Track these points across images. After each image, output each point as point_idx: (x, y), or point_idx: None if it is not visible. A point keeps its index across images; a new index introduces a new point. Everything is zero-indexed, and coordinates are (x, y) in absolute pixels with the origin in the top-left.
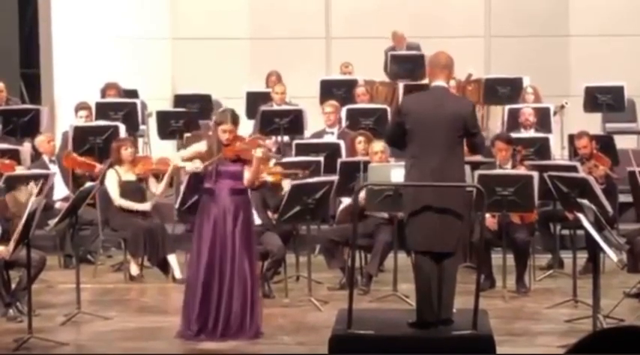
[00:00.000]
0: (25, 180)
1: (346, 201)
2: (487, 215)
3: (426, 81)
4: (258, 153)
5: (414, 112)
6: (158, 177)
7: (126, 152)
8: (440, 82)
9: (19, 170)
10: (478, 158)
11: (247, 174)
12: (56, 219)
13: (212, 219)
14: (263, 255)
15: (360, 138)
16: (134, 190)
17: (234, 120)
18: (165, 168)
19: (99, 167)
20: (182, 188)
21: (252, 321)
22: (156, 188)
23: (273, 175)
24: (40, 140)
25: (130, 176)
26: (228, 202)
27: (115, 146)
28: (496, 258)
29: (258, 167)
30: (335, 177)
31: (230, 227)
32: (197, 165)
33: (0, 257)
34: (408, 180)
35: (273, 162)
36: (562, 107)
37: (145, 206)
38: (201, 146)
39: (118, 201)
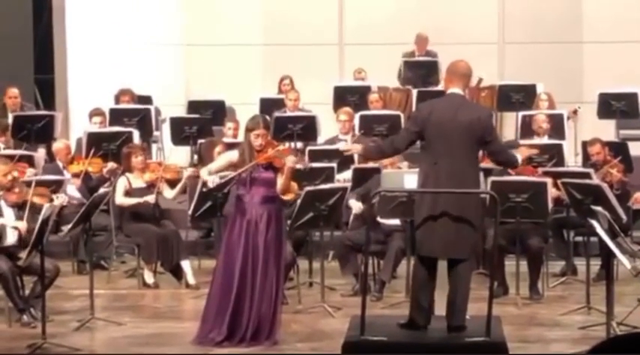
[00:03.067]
0: (38, 184)
1: (353, 202)
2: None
3: (439, 87)
4: (289, 162)
5: (432, 118)
6: (170, 182)
7: (136, 160)
8: (456, 90)
9: (30, 173)
10: (490, 164)
11: (279, 182)
12: (70, 225)
13: (244, 226)
14: None
15: None
16: (143, 196)
17: (266, 125)
18: (174, 176)
19: (109, 166)
20: (196, 194)
21: (274, 328)
22: (169, 194)
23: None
24: (58, 147)
25: (139, 182)
26: (260, 209)
27: (125, 153)
28: (509, 264)
29: (290, 176)
30: (348, 184)
31: (262, 234)
32: (214, 180)
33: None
34: (424, 186)
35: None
36: (575, 112)
37: (148, 198)
38: (232, 155)
39: (119, 199)
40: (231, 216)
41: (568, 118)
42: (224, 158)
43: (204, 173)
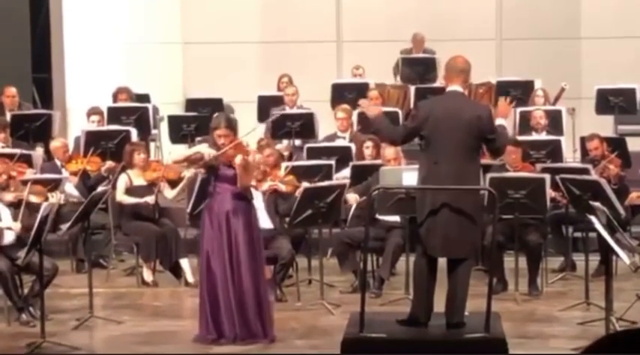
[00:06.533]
0: (36, 184)
1: (349, 195)
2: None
3: (437, 84)
4: (237, 160)
5: (431, 118)
6: (171, 182)
7: (139, 157)
8: (456, 87)
9: (29, 173)
10: (488, 161)
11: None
12: (68, 224)
13: (215, 222)
14: (272, 258)
15: (368, 144)
16: (144, 194)
17: (229, 124)
18: (175, 176)
19: (107, 164)
20: (194, 192)
21: (265, 325)
22: (169, 194)
23: (287, 185)
24: (55, 146)
25: (140, 180)
26: (229, 205)
27: (128, 149)
28: (508, 260)
29: (243, 173)
30: (346, 181)
31: (233, 230)
32: (210, 152)
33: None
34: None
35: (283, 169)
36: (562, 90)
37: (148, 199)
38: (203, 148)
39: (120, 197)
40: (204, 213)
41: (556, 99)
42: (195, 149)
43: (169, 158)
